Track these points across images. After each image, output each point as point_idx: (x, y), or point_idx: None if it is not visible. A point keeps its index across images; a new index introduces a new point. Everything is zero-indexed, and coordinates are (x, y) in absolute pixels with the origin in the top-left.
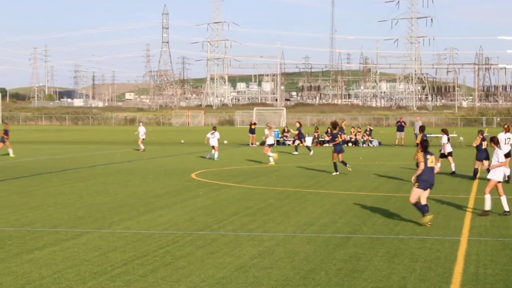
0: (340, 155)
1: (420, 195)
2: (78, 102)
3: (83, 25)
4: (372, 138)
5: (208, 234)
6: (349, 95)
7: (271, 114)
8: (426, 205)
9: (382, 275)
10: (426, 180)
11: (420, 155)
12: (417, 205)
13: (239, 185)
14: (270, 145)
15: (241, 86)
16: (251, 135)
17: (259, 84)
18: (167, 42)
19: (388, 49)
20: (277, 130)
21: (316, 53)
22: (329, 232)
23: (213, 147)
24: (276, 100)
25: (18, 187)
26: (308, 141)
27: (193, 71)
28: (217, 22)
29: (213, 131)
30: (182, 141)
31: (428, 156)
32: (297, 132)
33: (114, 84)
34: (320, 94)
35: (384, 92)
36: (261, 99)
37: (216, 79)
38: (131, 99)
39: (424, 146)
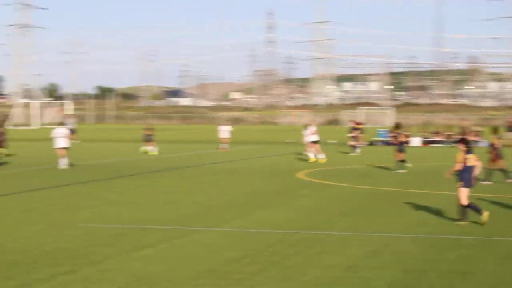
0: (402, 154)
1: (468, 194)
2: (185, 101)
3: (190, 25)
4: (481, 139)
5: (315, 234)
6: (456, 94)
7: (378, 114)
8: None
9: (495, 279)
10: (469, 178)
11: (461, 154)
12: (471, 205)
13: (345, 185)
14: (314, 142)
15: (347, 85)
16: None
17: (365, 84)
18: (272, 42)
19: (496, 48)
20: (385, 129)
21: (423, 52)
22: (439, 233)
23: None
24: (382, 99)
25: (128, 185)
26: (416, 141)
27: (299, 71)
28: (322, 22)
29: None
30: (288, 141)
31: (469, 156)
32: (355, 131)
33: (221, 84)
34: (428, 93)
35: (493, 91)
36: (367, 99)
37: (322, 79)
38: (237, 99)
39: (467, 145)
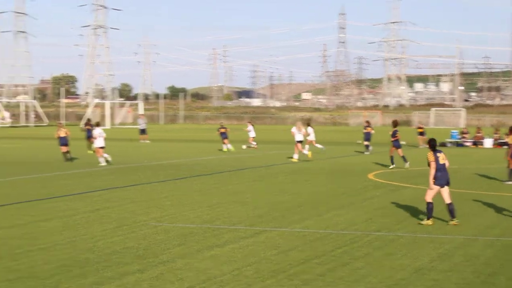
0: (399, 150)
1: (435, 192)
2: (256, 102)
3: (261, 26)
4: None
5: (386, 235)
6: None
7: (450, 115)
8: (432, 209)
9: None
10: (440, 176)
11: (430, 154)
12: (429, 206)
13: (416, 187)
14: (299, 142)
15: (418, 86)
16: (419, 136)
17: (437, 85)
18: (344, 42)
19: None
20: (456, 131)
21: (496, 53)
22: (510, 235)
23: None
24: (454, 100)
25: (198, 185)
26: (488, 142)
27: (370, 71)
28: (394, 22)
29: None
30: (359, 141)
31: (438, 154)
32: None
33: (291, 84)
34: (500, 94)
35: None
36: (439, 100)
37: (393, 79)
38: (308, 99)
39: (432, 145)
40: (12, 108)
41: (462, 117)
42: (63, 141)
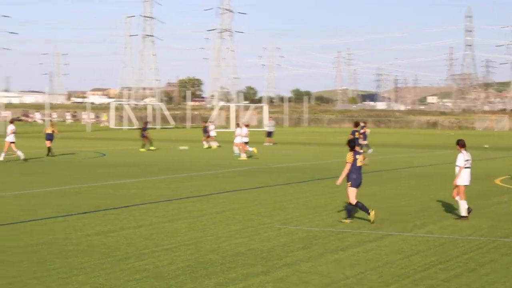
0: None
1: (355, 193)
2: (380, 105)
3: (387, 29)
4: None
5: None
6: None
7: None
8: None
9: None
10: (356, 178)
11: (350, 155)
12: (358, 204)
13: None
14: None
15: None
16: None
17: None
18: (471, 45)
19: None
20: None
21: None
22: None
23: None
24: None
25: (322, 188)
26: None
27: (497, 74)
28: None
29: None
30: (486, 146)
31: (357, 156)
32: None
33: (416, 87)
34: None
35: None
36: None
37: None
38: (433, 103)
39: (351, 146)
40: (139, 110)
41: None
42: (49, 137)
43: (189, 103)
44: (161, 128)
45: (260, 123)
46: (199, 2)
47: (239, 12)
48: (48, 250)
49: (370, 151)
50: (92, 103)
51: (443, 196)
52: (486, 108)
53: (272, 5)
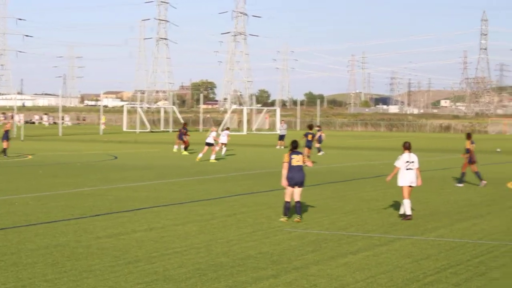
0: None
1: (291, 192)
2: (393, 109)
3: (400, 32)
4: None
5: None
6: None
7: None
8: (288, 209)
9: None
10: (291, 177)
11: (286, 155)
12: (286, 204)
13: None
14: (208, 144)
15: None
16: None
17: None
18: (485, 49)
19: None
20: None
21: None
22: None
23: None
24: None
25: (332, 192)
26: None
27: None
28: None
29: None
30: (498, 150)
31: (294, 156)
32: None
33: (430, 91)
34: None
35: None
36: None
37: None
38: (446, 106)
39: (294, 146)
40: (152, 113)
41: None
42: (5, 137)
43: (202, 106)
44: (172, 131)
45: (272, 127)
46: (214, 5)
47: (253, 16)
48: (60, 253)
49: (321, 153)
50: (105, 106)
51: (455, 200)
52: (500, 111)
53: (286, 8)
